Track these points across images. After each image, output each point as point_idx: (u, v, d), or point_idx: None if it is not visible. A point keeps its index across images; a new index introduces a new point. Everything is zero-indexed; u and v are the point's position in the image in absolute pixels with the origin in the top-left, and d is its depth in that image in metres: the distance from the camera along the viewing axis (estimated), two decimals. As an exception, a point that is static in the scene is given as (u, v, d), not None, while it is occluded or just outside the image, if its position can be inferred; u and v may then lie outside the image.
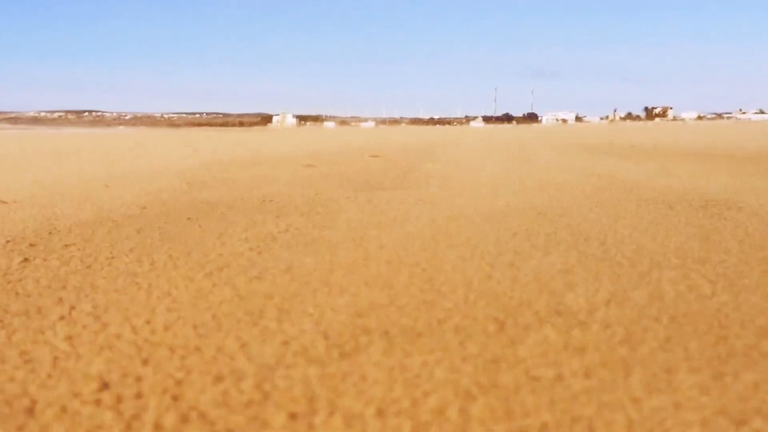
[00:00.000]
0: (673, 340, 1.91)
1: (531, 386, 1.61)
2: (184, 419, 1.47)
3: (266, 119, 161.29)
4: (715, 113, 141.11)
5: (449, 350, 1.85)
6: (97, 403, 1.55)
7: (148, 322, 2.13)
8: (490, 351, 1.84)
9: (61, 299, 2.41)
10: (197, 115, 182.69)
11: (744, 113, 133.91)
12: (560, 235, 3.57)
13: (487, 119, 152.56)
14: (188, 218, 4.31)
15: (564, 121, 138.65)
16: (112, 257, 3.12)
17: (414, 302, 2.33)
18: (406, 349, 1.87)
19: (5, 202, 5.12)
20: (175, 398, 1.57)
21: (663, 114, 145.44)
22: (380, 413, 1.48)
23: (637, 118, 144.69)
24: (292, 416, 1.48)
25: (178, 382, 1.66)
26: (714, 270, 2.75)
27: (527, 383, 1.63)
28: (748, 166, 8.45)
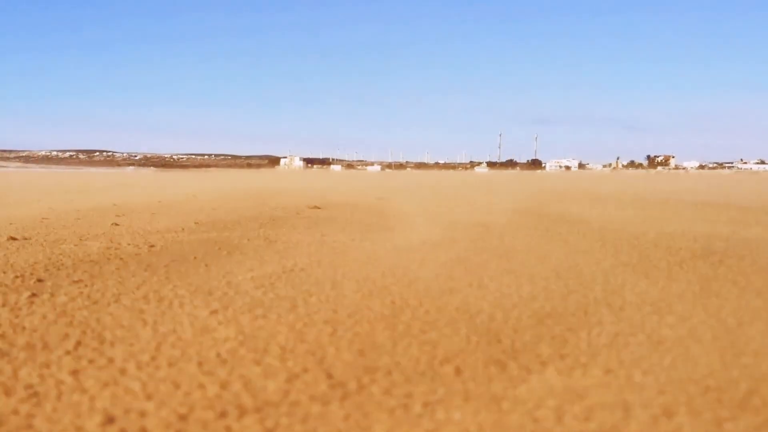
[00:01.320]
0: (673, 384, 1.92)
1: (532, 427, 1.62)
2: (187, 453, 1.48)
3: (274, 161, 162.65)
4: (716, 162, 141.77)
5: (451, 388, 1.87)
6: (102, 436, 1.57)
7: (153, 359, 2.16)
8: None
9: (67, 334, 2.44)
10: (206, 156, 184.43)
11: (745, 163, 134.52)
12: (560, 281, 3.59)
13: (491, 165, 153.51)
14: (195, 257, 4.35)
15: (567, 168, 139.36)
16: (119, 294, 3.15)
17: (416, 342, 2.35)
18: (409, 389, 1.89)
19: (15, 239, 5.18)
20: (178, 433, 1.59)
21: (665, 162, 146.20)
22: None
23: (640, 165, 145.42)
24: (294, 452, 1.49)
25: (182, 418, 1.68)
26: (715, 317, 2.76)
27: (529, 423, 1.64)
28: (748, 216, 8.48)
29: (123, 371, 2.03)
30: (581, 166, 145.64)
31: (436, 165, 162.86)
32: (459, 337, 2.42)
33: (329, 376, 2.00)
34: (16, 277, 3.58)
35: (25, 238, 5.26)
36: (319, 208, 9.56)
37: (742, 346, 2.33)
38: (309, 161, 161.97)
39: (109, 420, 1.67)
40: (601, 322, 2.67)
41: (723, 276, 3.73)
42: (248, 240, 5.38)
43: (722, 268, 4.01)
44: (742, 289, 3.36)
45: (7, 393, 1.84)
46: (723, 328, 2.58)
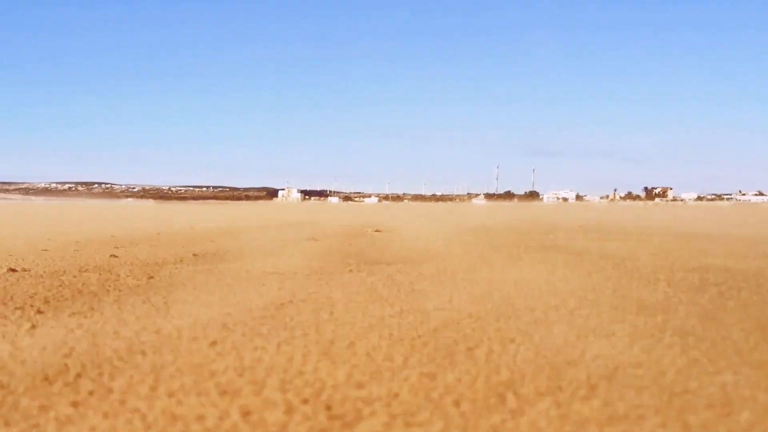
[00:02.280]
0: (673, 417, 1.93)
1: (531, 459, 1.62)
2: (187, 485, 1.48)
3: (272, 193, 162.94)
4: (714, 194, 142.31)
5: (450, 421, 1.87)
6: (102, 467, 1.57)
7: (152, 390, 2.16)
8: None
9: (67, 366, 2.44)
10: (204, 189, 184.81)
11: (744, 194, 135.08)
12: (565, 306, 3.60)
13: (489, 196, 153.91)
14: (194, 287, 4.36)
15: (565, 199, 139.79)
16: (119, 325, 3.15)
17: (415, 374, 2.35)
18: (408, 420, 1.89)
19: (15, 270, 5.18)
20: (178, 464, 1.59)
21: (663, 194, 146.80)
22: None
23: (637, 197, 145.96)
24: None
25: (182, 449, 1.68)
26: (715, 348, 2.77)
27: (527, 456, 1.64)
28: (747, 248, 8.51)
29: (123, 402, 2.03)
30: (578, 197, 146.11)
31: (433, 197, 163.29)
32: (459, 369, 2.42)
33: (328, 407, 2.00)
34: (16, 308, 3.58)
35: (25, 270, 5.27)
36: (316, 240, 9.59)
37: (744, 378, 2.34)
38: (306, 193, 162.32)
39: (109, 451, 1.66)
40: (600, 353, 2.67)
41: (723, 308, 3.74)
42: (246, 272, 5.39)
43: (721, 300, 4.02)
44: (741, 320, 3.37)
45: (8, 424, 1.84)
46: (725, 359, 2.58)
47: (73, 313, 3.46)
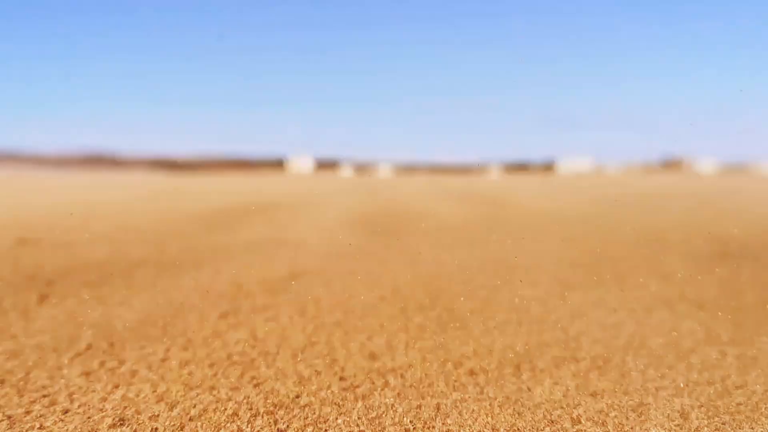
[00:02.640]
0: (690, 386, 1.89)
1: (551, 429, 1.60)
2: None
3: (283, 163, 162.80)
4: (733, 163, 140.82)
5: (464, 391, 1.85)
6: (112, 438, 1.56)
7: (164, 360, 2.14)
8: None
9: (77, 336, 2.43)
10: (215, 161, 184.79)
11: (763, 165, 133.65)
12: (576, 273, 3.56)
13: (505, 167, 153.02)
14: (203, 260, 4.35)
15: (582, 169, 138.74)
16: (128, 297, 3.14)
17: (429, 345, 2.32)
18: (421, 390, 1.86)
19: (26, 241, 5.19)
20: (189, 435, 1.58)
21: (681, 164, 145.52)
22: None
23: (656, 168, 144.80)
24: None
25: (193, 419, 1.67)
26: (732, 319, 2.72)
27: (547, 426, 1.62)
28: (766, 219, 8.39)
29: (134, 373, 2.02)
30: (596, 168, 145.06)
31: (449, 168, 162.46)
32: (472, 339, 2.39)
33: (342, 378, 1.98)
34: (27, 279, 3.58)
35: (36, 241, 5.28)
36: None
37: (759, 347, 2.29)
38: (319, 163, 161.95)
39: (120, 421, 1.65)
40: (617, 322, 2.63)
41: (739, 278, 3.68)
42: (257, 244, 5.37)
43: (738, 270, 3.96)
44: (759, 292, 3.31)
45: (20, 393, 1.84)
46: (742, 328, 2.54)
47: (84, 284, 3.45)
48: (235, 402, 1.78)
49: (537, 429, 1.61)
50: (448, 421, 1.66)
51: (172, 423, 1.65)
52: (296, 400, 1.80)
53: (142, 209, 9.85)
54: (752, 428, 1.61)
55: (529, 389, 1.88)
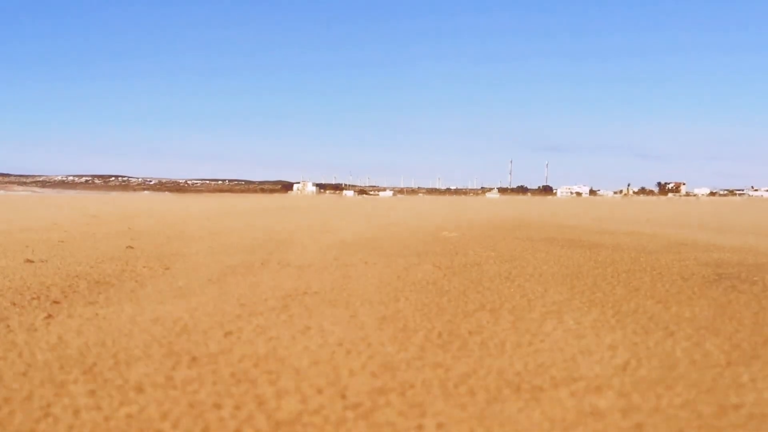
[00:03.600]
0: (687, 407, 1.92)
1: (544, 449, 1.63)
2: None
3: (287, 186, 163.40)
4: (727, 189, 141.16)
5: (465, 409, 1.88)
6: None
7: (169, 379, 2.18)
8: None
9: (83, 355, 2.47)
10: (220, 182, 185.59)
11: (756, 190, 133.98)
12: (578, 298, 3.59)
13: (502, 191, 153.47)
14: (209, 280, 4.39)
15: (578, 194, 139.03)
16: (135, 316, 3.18)
17: (430, 364, 2.36)
18: (424, 409, 1.90)
19: (32, 261, 5.24)
20: (193, 451, 1.61)
21: (676, 189, 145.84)
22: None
23: (650, 192, 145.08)
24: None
25: (197, 436, 1.70)
26: (728, 341, 2.75)
27: (540, 446, 1.65)
28: (760, 243, 8.43)
29: (139, 391, 2.05)
30: (592, 192, 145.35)
31: (448, 191, 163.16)
32: (472, 359, 2.43)
33: (343, 397, 2.01)
34: (33, 298, 3.62)
35: (42, 261, 5.33)
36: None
37: (756, 371, 2.32)
38: (322, 186, 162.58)
39: (126, 438, 1.68)
40: (613, 344, 2.66)
41: (735, 302, 3.71)
42: (262, 263, 5.41)
43: (734, 293, 3.99)
44: (755, 314, 3.34)
45: (25, 411, 1.87)
46: (738, 351, 2.57)
47: (89, 303, 3.49)
48: (239, 420, 1.81)
49: (534, 447, 1.64)
50: (448, 438, 1.69)
51: (177, 439, 1.68)
52: (299, 418, 1.83)
53: (147, 225, 9.89)
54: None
55: (528, 409, 1.91)
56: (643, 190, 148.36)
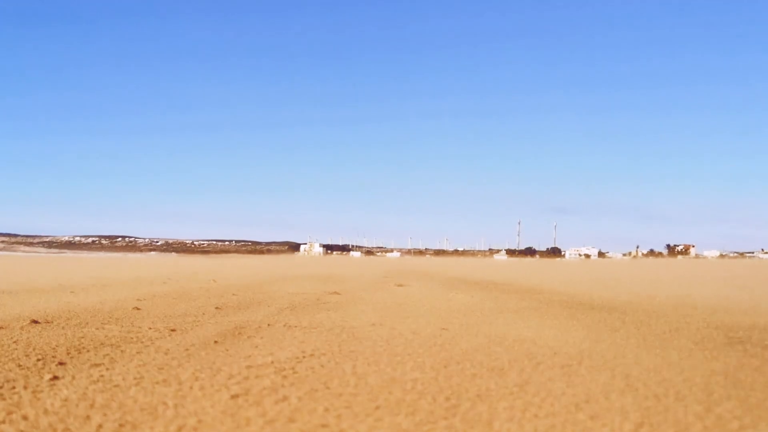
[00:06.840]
0: (700, 474, 1.89)
1: None
2: None
3: (294, 247, 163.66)
4: (737, 252, 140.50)
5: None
6: None
7: (173, 441, 2.16)
8: None
9: (88, 417, 2.45)
10: (227, 243, 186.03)
11: (766, 252, 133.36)
12: (583, 367, 3.55)
13: (510, 252, 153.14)
14: (215, 341, 4.37)
15: (587, 256, 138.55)
16: (140, 377, 3.17)
17: (439, 428, 2.33)
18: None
19: (38, 322, 5.24)
20: None
21: (685, 251, 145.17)
22: None
23: (660, 254, 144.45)
24: None
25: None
26: (741, 405, 2.71)
27: None
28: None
29: (144, 454, 2.03)
30: (601, 254, 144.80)
31: (455, 252, 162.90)
32: (481, 423, 2.40)
33: (349, 461, 1.98)
34: (38, 359, 3.61)
35: (48, 322, 5.33)
36: (338, 293, 9.59)
37: (771, 436, 2.28)
38: (329, 248, 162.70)
39: (130, 502, 1.66)
40: (624, 409, 2.63)
41: (747, 366, 3.67)
42: (268, 326, 5.40)
43: (746, 357, 3.94)
44: (766, 378, 3.30)
45: (29, 474, 1.85)
46: (751, 417, 2.53)
47: (95, 365, 3.48)
48: (244, 484, 1.79)
49: None
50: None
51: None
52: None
53: (149, 288, 9.90)
54: None
55: None
56: (651, 252, 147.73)
